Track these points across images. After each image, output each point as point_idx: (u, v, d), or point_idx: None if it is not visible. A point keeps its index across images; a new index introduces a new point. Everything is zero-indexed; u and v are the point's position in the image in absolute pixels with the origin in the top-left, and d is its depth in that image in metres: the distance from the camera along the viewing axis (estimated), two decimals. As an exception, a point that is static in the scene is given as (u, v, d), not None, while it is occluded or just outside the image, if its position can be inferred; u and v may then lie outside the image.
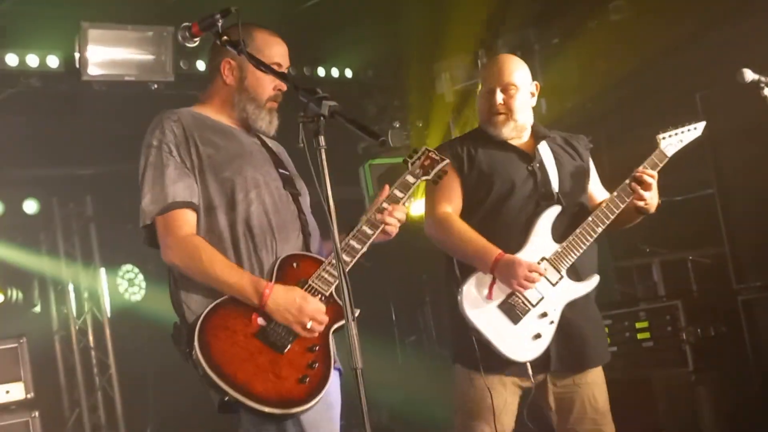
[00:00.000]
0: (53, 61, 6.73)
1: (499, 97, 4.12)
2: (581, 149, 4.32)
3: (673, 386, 6.35)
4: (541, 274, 3.92)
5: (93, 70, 6.62)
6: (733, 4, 6.69)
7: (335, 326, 3.31)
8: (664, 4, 6.92)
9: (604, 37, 7.22)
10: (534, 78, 4.30)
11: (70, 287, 8.74)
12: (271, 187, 3.40)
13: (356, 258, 3.33)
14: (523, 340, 3.94)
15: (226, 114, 3.49)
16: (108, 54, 6.66)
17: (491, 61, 4.41)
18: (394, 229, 3.43)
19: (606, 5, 7.23)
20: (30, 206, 8.28)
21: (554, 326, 3.98)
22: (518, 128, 4.17)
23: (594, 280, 4.09)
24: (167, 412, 8.28)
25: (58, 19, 6.53)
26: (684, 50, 6.91)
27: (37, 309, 8.72)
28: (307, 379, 3.18)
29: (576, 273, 4.04)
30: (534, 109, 4.29)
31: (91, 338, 8.74)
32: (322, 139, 2.91)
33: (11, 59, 6.58)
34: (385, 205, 3.42)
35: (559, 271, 3.99)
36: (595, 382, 4.13)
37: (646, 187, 4.04)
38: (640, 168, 4.08)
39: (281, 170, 3.49)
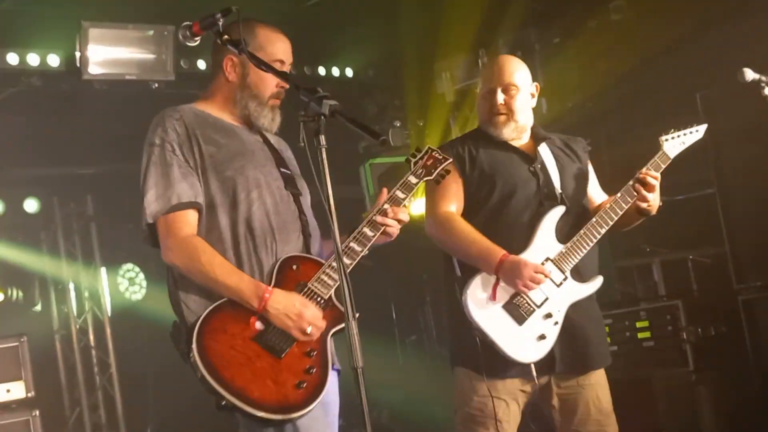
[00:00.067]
0: (54, 60, 6.73)
1: (500, 97, 4.11)
2: (580, 152, 4.31)
3: (673, 386, 6.35)
4: (546, 275, 3.92)
5: (94, 69, 6.63)
6: (733, 4, 6.69)
7: (333, 330, 3.30)
8: (664, 3, 6.92)
9: (604, 37, 7.22)
10: (534, 78, 4.29)
11: (71, 286, 8.75)
12: (273, 187, 3.39)
13: (357, 260, 3.31)
14: (527, 341, 3.92)
15: (228, 111, 3.47)
16: (109, 53, 6.66)
17: (492, 61, 4.41)
18: (395, 230, 3.41)
19: (606, 5, 7.23)
20: (31, 205, 8.29)
21: (558, 327, 3.97)
22: (519, 129, 4.16)
23: (598, 281, 4.08)
24: (168, 411, 8.29)
25: (59, 18, 6.53)
26: (684, 50, 6.91)
27: (38, 308, 8.73)
28: (304, 385, 3.17)
29: (579, 274, 4.03)
30: (534, 108, 4.28)
31: (91, 337, 8.75)
32: (322, 138, 2.91)
33: (12, 58, 6.59)
34: (386, 206, 3.40)
35: (563, 272, 3.98)
36: (598, 383, 4.12)
37: (650, 188, 4.05)
38: (644, 170, 4.08)
39: (282, 169, 3.47)
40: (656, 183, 4.06)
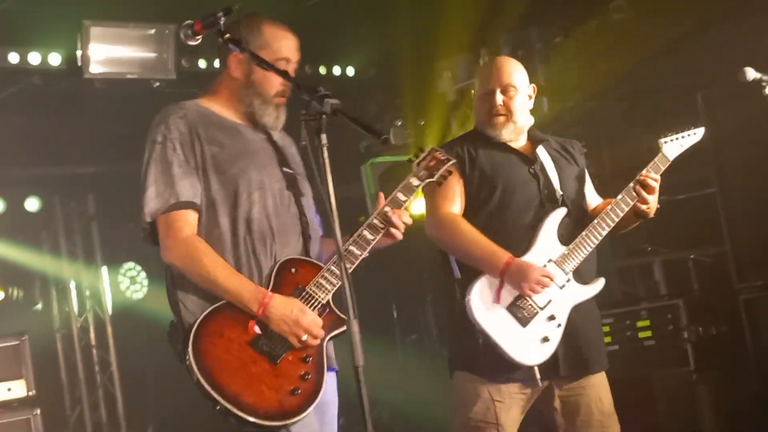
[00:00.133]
0: (55, 59, 6.74)
1: (499, 98, 4.09)
2: (576, 154, 4.30)
3: (674, 385, 6.35)
4: (551, 279, 3.91)
5: (95, 68, 6.63)
6: (733, 4, 6.69)
7: (330, 335, 3.28)
8: (665, 3, 6.92)
9: (605, 37, 7.22)
10: (535, 77, 4.30)
11: (72, 285, 8.76)
12: (274, 189, 3.36)
13: (356, 263, 3.29)
14: (531, 344, 3.90)
15: (232, 108, 3.44)
16: (110, 52, 6.66)
17: (489, 62, 4.38)
18: (399, 234, 3.39)
19: (607, 5, 7.23)
20: (32, 204, 8.30)
21: (561, 329, 3.95)
22: (517, 130, 4.14)
23: (600, 283, 4.07)
24: (168, 410, 8.29)
25: (60, 17, 6.53)
26: (685, 49, 6.92)
27: (39, 307, 8.74)
28: (299, 391, 3.16)
29: (580, 276, 4.02)
30: (536, 107, 4.27)
31: (92, 336, 8.76)
32: (324, 137, 2.90)
33: (13, 57, 6.59)
34: (387, 209, 3.38)
35: (565, 274, 3.98)
36: (600, 384, 4.11)
37: (650, 190, 4.05)
38: (644, 172, 4.08)
39: (285, 169, 3.44)
40: (656, 185, 4.07)
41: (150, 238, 3.32)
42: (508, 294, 3.91)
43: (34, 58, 6.66)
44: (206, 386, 3.06)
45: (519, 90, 4.12)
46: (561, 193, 4.09)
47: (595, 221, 4.02)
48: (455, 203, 4.05)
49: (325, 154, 2.89)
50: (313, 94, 2.97)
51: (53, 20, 6.55)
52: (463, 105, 8.06)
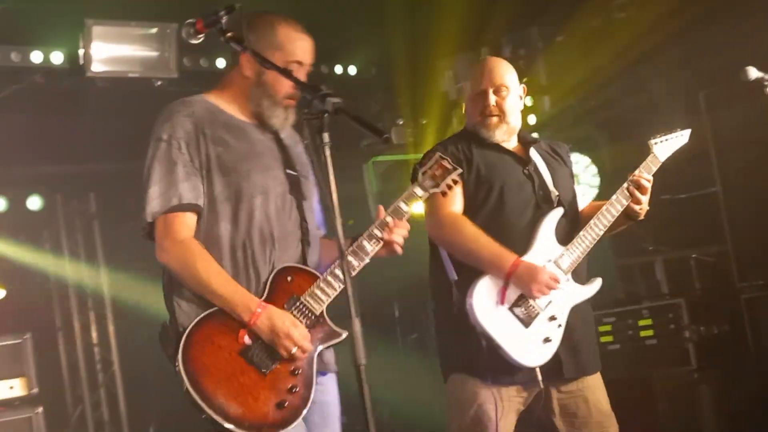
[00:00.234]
0: (57, 58, 6.74)
1: (492, 98, 4.07)
2: (564, 156, 4.31)
3: (675, 384, 6.35)
4: (558, 281, 3.91)
5: (97, 67, 6.63)
6: (736, 3, 6.69)
7: (322, 348, 3.25)
8: (666, 2, 6.92)
9: (607, 35, 7.22)
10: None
11: (74, 283, 8.75)
12: (277, 193, 3.32)
13: (354, 273, 3.25)
14: (533, 345, 3.89)
15: (240, 106, 3.39)
16: (112, 51, 6.67)
17: (480, 63, 4.31)
18: (398, 248, 3.36)
19: (609, 3, 7.23)
20: (33, 203, 8.29)
21: (562, 330, 3.95)
22: (509, 131, 4.13)
23: (597, 284, 4.07)
24: (170, 409, 8.29)
25: (63, 15, 6.54)
26: (687, 48, 6.92)
27: (40, 305, 8.73)
28: (286, 404, 3.14)
29: (576, 276, 4.03)
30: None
31: (94, 335, 8.75)
32: (326, 136, 2.89)
33: (15, 56, 6.59)
34: (388, 219, 3.34)
35: (564, 274, 3.98)
36: (597, 385, 4.11)
37: (644, 190, 4.06)
38: (636, 172, 4.08)
39: (289, 171, 3.40)
40: (649, 185, 4.07)
41: (150, 235, 3.29)
42: (511, 295, 3.90)
43: (36, 56, 6.66)
44: (194, 394, 3.05)
45: (511, 90, 4.11)
46: (557, 193, 4.09)
47: (591, 222, 4.02)
48: (456, 203, 4.03)
49: (327, 153, 2.88)
50: (315, 93, 2.96)
51: (55, 19, 6.55)
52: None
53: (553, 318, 3.94)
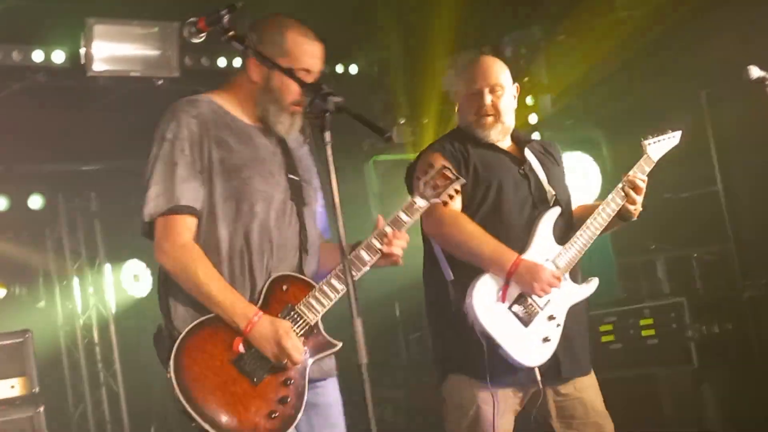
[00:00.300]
0: (59, 57, 6.74)
1: (488, 98, 4.04)
2: (557, 155, 4.30)
3: (677, 383, 6.35)
4: (559, 279, 3.90)
5: (98, 66, 6.64)
6: (738, 2, 6.69)
7: (315, 359, 3.23)
8: (669, 1, 6.91)
9: (609, 35, 7.22)
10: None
11: (75, 282, 8.77)
12: (278, 200, 3.29)
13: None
14: (532, 344, 3.87)
15: (246, 109, 3.35)
16: (113, 49, 6.67)
17: (474, 62, 4.22)
18: (398, 260, 3.32)
19: (611, 2, 7.22)
20: (35, 202, 8.30)
21: (560, 329, 3.93)
22: (504, 130, 4.11)
23: (594, 283, 4.06)
24: (171, 408, 8.29)
25: (64, 14, 6.55)
26: (689, 47, 6.91)
27: (42, 304, 8.75)
28: (276, 415, 3.11)
29: (573, 276, 4.03)
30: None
31: (95, 334, 8.76)
32: (328, 135, 2.88)
33: (17, 55, 6.59)
34: (387, 230, 3.29)
35: (562, 273, 3.98)
36: (592, 385, 4.10)
37: (639, 191, 4.05)
38: (631, 172, 4.08)
39: (292, 176, 3.36)
40: (644, 185, 4.07)
41: (150, 234, 3.25)
42: (511, 293, 3.89)
43: (37, 55, 6.66)
44: (184, 402, 3.04)
45: (506, 90, 4.09)
46: (553, 193, 4.08)
47: (588, 221, 4.01)
48: (456, 201, 4.00)
49: (329, 152, 2.87)
50: (317, 92, 2.95)
51: (57, 18, 6.56)
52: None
53: (551, 317, 3.93)
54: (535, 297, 3.88)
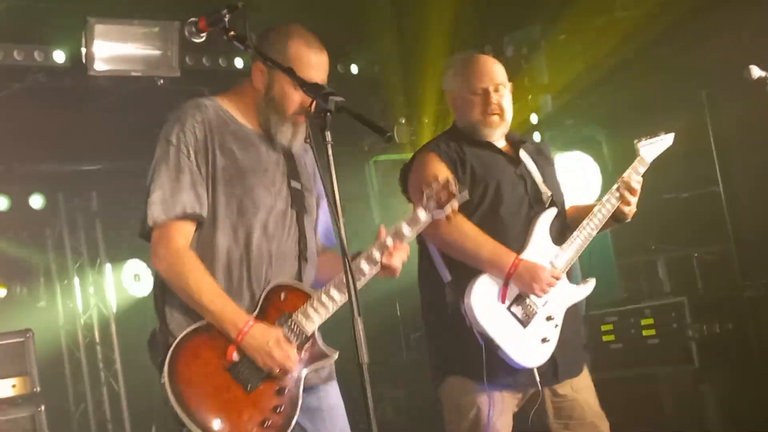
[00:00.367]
0: (60, 57, 6.74)
1: (494, 96, 4.04)
2: (549, 156, 4.31)
3: (678, 383, 6.35)
4: (559, 279, 3.90)
5: (99, 66, 6.63)
6: (740, 1, 6.68)
7: (310, 368, 3.21)
8: (670, 0, 6.91)
9: (610, 34, 7.22)
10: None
11: (76, 282, 8.77)
12: (279, 210, 3.27)
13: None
14: (532, 345, 3.88)
15: (251, 116, 3.33)
16: (114, 49, 6.66)
17: (476, 61, 4.18)
18: (396, 272, 3.29)
19: (612, 1, 7.22)
20: (36, 201, 8.30)
21: (558, 330, 3.94)
22: (505, 129, 4.12)
23: (591, 284, 4.07)
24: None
25: (65, 14, 6.55)
26: (690, 47, 6.91)
27: (43, 304, 8.75)
28: (269, 423, 3.10)
29: (569, 276, 4.03)
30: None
31: (96, 333, 8.76)
32: (328, 135, 2.87)
33: (18, 54, 6.59)
34: (388, 242, 3.26)
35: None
36: (588, 386, 4.11)
37: (634, 192, 4.06)
38: (626, 174, 4.08)
39: (294, 184, 3.35)
40: (639, 187, 4.07)
41: (148, 236, 3.23)
42: (510, 294, 3.89)
43: (38, 55, 6.65)
44: (177, 408, 3.03)
45: (507, 88, 4.11)
46: (549, 193, 4.07)
47: (584, 222, 4.02)
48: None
49: (330, 152, 2.87)
50: (317, 92, 2.95)
51: (58, 17, 6.56)
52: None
53: (550, 318, 3.93)
54: (533, 297, 3.88)
